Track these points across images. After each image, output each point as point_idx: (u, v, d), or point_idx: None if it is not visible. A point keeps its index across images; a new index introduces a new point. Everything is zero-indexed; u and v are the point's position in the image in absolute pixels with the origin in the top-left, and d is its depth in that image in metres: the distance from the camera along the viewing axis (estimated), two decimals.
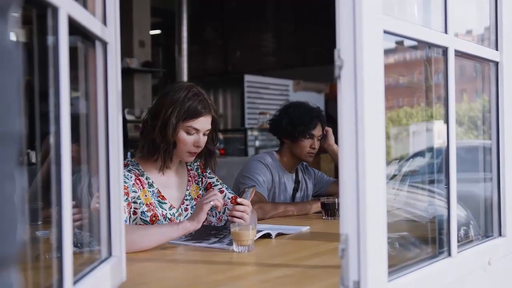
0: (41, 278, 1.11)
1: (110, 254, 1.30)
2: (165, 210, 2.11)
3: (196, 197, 2.24)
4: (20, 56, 0.53)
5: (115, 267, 1.29)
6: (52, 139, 0.96)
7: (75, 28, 1.05)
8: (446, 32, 1.45)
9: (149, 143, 2.09)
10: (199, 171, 2.29)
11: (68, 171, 0.97)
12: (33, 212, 1.33)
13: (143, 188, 2.08)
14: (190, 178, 2.25)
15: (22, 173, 0.55)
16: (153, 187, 2.11)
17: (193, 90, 2.08)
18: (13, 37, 0.54)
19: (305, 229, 2.26)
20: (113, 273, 1.27)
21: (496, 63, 1.73)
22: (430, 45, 1.50)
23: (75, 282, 1.03)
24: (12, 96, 0.51)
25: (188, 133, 2.08)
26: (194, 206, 2.19)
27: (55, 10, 0.95)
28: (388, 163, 1.21)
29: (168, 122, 2.04)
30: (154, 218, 2.06)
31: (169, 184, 2.17)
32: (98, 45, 1.27)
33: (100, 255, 1.28)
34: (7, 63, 0.51)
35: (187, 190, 2.22)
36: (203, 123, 2.09)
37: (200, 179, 2.28)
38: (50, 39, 0.96)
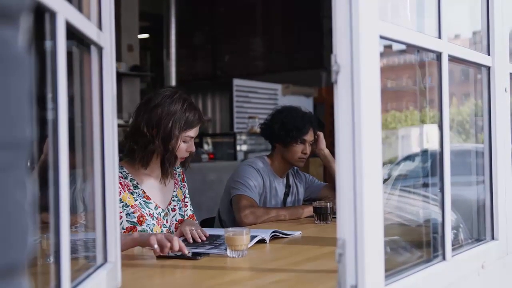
0: (38, 284, 1.10)
1: (105, 260, 1.29)
2: (151, 209, 2.19)
3: (181, 199, 2.35)
4: (31, 62, 0.53)
5: (111, 273, 1.28)
6: (49, 144, 0.95)
7: (70, 32, 1.05)
8: (439, 37, 1.46)
9: (149, 153, 2.15)
10: (180, 178, 2.40)
11: (65, 176, 0.96)
12: None
13: (128, 189, 2.15)
14: (176, 181, 2.36)
15: (31, 180, 0.55)
16: (138, 188, 2.19)
17: (187, 100, 2.21)
18: (23, 44, 0.53)
19: (297, 234, 2.27)
20: (108, 279, 1.26)
21: (488, 68, 1.75)
22: (425, 50, 1.51)
23: None
24: (24, 103, 0.50)
25: (185, 141, 2.20)
26: (181, 208, 2.32)
27: (53, 15, 0.94)
28: None
29: (171, 134, 2.15)
30: (141, 218, 2.14)
31: (155, 185, 2.25)
32: (93, 49, 1.27)
33: (96, 261, 1.27)
34: (20, 70, 0.50)
35: (174, 191, 2.33)
36: (197, 130, 2.25)
37: (182, 184, 2.40)
38: (47, 44, 0.96)
